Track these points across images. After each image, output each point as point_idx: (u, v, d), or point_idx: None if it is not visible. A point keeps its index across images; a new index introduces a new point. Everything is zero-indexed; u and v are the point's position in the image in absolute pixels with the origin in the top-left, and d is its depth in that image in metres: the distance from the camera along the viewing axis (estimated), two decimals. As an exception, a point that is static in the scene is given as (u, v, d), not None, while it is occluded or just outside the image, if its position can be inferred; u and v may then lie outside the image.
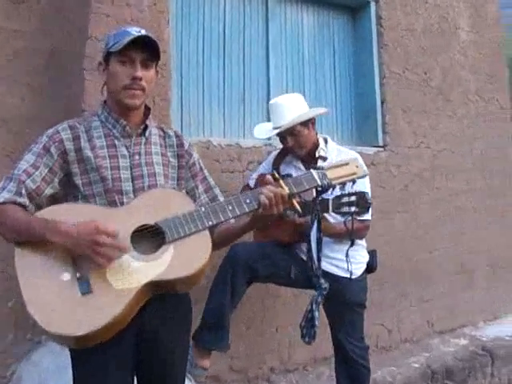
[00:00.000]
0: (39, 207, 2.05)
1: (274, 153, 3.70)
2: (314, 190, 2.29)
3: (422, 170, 5.22)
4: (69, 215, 1.95)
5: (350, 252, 3.16)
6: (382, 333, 4.84)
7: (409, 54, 5.25)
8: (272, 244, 3.33)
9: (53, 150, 2.10)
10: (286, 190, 2.12)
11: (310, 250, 2.46)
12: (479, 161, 5.78)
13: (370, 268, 3.51)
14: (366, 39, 5.11)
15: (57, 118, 3.62)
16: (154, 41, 2.15)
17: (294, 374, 4.27)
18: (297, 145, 3.39)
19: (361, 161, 2.51)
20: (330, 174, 2.23)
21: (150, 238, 2.01)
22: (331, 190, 2.28)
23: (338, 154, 3.42)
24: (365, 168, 2.36)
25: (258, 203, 2.10)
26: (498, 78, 6.16)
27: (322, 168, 2.26)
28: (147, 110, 2.32)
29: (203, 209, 2.07)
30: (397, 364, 4.56)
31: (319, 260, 2.48)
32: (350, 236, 2.89)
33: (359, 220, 3.11)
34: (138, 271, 1.92)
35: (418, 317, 5.16)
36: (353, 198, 2.81)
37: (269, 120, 4.56)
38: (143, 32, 2.16)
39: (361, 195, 2.78)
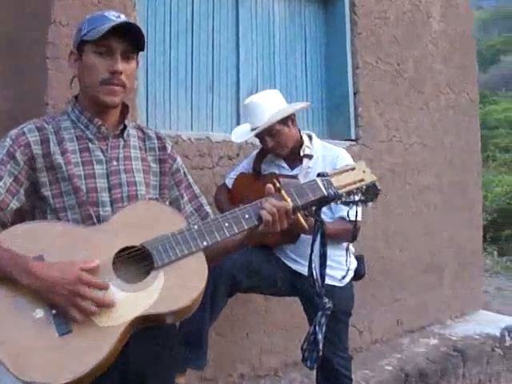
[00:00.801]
0: (3, 225, 1.74)
1: (255, 152, 3.46)
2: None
3: (394, 165, 5.05)
4: (35, 241, 1.65)
5: (338, 258, 3.02)
6: (352, 334, 4.65)
7: (382, 43, 5.05)
8: (255, 250, 3.08)
9: (18, 155, 1.80)
10: (290, 203, 1.87)
11: (310, 265, 2.20)
12: (449, 155, 5.67)
13: (358, 274, 3.31)
14: (339, 27, 4.86)
15: (15, 111, 3.29)
16: (137, 28, 1.86)
17: (265, 380, 4.08)
18: (277, 145, 3.16)
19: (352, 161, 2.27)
20: (336, 182, 2.00)
21: (135, 262, 1.73)
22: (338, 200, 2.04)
23: (323, 151, 3.22)
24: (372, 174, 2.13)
25: (258, 219, 1.84)
26: (469, 70, 6.04)
27: (327, 175, 2.02)
28: (125, 107, 2.02)
29: (196, 227, 1.79)
30: (370, 367, 4.41)
31: (323, 277, 2.23)
32: (353, 233, 2.66)
33: (349, 221, 2.90)
34: (123, 304, 1.63)
35: (388, 317, 5.02)
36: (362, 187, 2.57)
37: (238, 113, 4.35)
38: (123, 17, 1.88)
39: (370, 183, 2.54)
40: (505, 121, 24.05)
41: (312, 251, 2.17)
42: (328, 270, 3.00)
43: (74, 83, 1.98)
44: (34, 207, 1.82)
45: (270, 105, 3.15)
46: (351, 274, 3.21)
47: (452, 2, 5.90)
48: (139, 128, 2.09)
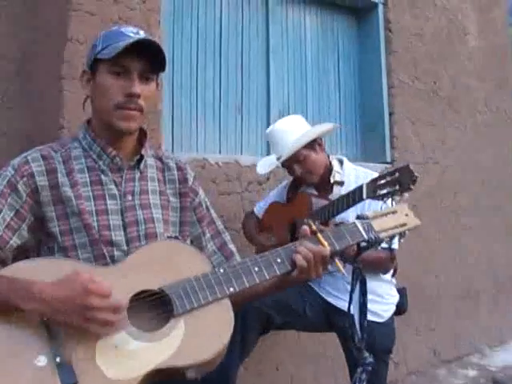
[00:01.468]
0: (3, 263, 1.56)
1: (285, 182, 3.25)
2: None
3: (430, 188, 4.83)
4: (41, 276, 1.45)
5: (379, 290, 2.84)
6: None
7: (417, 61, 4.84)
8: None
9: (21, 186, 1.62)
10: (328, 248, 1.69)
11: (348, 314, 2.00)
12: (485, 175, 5.43)
13: (400, 309, 3.09)
14: (373, 44, 4.68)
15: (29, 134, 3.13)
16: (157, 46, 1.67)
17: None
18: (306, 172, 2.93)
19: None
20: (377, 225, 1.82)
21: (152, 308, 1.54)
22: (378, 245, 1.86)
23: (356, 177, 2.97)
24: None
25: (291, 263, 1.66)
26: (505, 86, 5.80)
27: (367, 217, 1.84)
28: (142, 134, 1.83)
29: (222, 270, 1.60)
30: (407, 402, 4.19)
31: (363, 330, 2.03)
32: (393, 265, 2.47)
33: (385, 249, 2.70)
34: (137, 355, 1.43)
35: (423, 346, 4.79)
36: (395, 176, 2.35)
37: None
38: (142, 34, 1.69)
39: (403, 169, 2.33)
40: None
41: (350, 301, 1.99)
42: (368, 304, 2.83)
43: (87, 105, 1.80)
44: (40, 245, 1.64)
45: (293, 130, 2.95)
46: (393, 308, 3.00)
47: (488, 17, 5.69)
48: (158, 157, 1.89)
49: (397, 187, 2.32)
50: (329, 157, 3.02)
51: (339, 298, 2.90)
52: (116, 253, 1.64)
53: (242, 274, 1.60)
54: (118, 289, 1.46)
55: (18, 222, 1.60)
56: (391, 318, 3.00)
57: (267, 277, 1.63)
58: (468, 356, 5.12)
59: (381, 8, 4.67)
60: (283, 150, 2.91)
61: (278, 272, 1.65)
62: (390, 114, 4.61)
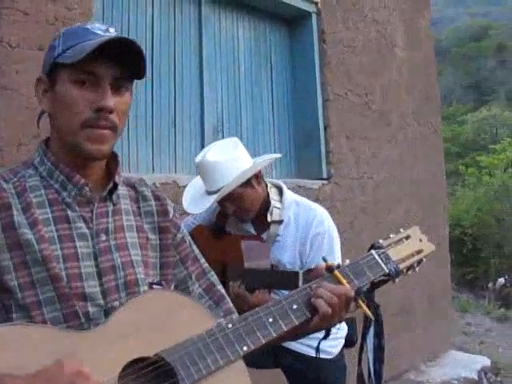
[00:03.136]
0: None
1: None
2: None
3: (366, 203, 4.72)
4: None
5: None
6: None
7: (350, 73, 4.71)
8: None
9: None
10: (350, 288, 1.46)
11: (360, 361, 1.76)
12: (417, 189, 5.40)
13: (350, 341, 2.85)
14: (307, 56, 4.51)
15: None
16: (134, 46, 1.31)
17: None
18: (240, 210, 2.58)
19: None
20: (394, 255, 1.62)
21: (151, 381, 1.21)
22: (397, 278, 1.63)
23: (296, 210, 2.63)
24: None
25: (310, 310, 1.42)
26: (432, 98, 5.81)
27: (382, 246, 1.62)
28: (113, 158, 1.45)
29: (231, 325, 1.30)
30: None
31: (378, 376, 1.79)
32: None
33: None
34: None
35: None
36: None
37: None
38: (113, 31, 1.35)
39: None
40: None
41: (364, 344, 1.75)
42: (310, 341, 2.58)
43: (43, 122, 1.42)
44: None
45: (228, 163, 2.53)
46: (341, 342, 2.76)
47: (414, 29, 5.68)
48: (130, 184, 1.52)
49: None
50: (267, 186, 2.66)
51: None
52: (91, 309, 1.29)
53: (255, 329, 1.33)
54: (101, 362, 1.14)
55: None
56: (340, 353, 2.76)
57: (284, 328, 1.37)
58: (406, 373, 5.06)
59: (314, 18, 4.50)
60: (215, 186, 2.53)
61: (295, 321, 1.40)
62: (325, 128, 4.44)
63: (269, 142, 4.39)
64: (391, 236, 1.69)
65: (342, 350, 2.75)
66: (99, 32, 1.32)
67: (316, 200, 4.14)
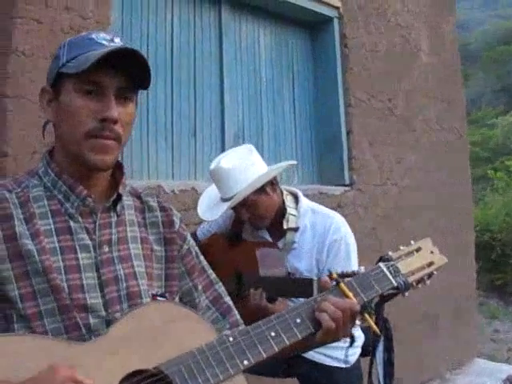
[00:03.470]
0: None
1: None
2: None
3: (388, 210, 4.67)
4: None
5: None
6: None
7: (373, 78, 4.68)
8: None
9: None
10: (355, 302, 1.43)
11: (370, 376, 1.73)
12: (441, 195, 5.33)
13: (366, 350, 2.82)
14: (329, 61, 4.48)
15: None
16: (139, 56, 1.31)
17: None
18: (255, 217, 2.57)
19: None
20: (403, 267, 1.59)
21: None
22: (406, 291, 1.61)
23: (312, 218, 2.61)
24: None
25: (314, 324, 1.39)
26: (457, 103, 5.73)
27: (391, 259, 1.60)
28: (119, 168, 1.46)
29: (232, 339, 1.28)
30: None
31: None
32: None
33: None
34: None
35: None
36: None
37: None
38: (118, 41, 1.35)
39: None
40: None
41: (373, 358, 1.72)
42: (327, 350, 2.55)
43: (48, 132, 1.42)
44: None
45: (241, 170, 2.53)
46: (358, 351, 2.72)
47: (438, 33, 5.62)
48: (135, 194, 1.52)
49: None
50: (282, 193, 2.64)
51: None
52: (92, 320, 1.28)
53: (257, 343, 1.30)
54: (99, 374, 1.13)
55: None
56: (357, 362, 2.73)
57: (287, 342, 1.34)
58: (430, 382, 5.00)
59: (336, 23, 4.47)
60: (230, 193, 2.52)
61: (299, 336, 1.36)
62: (348, 134, 4.42)
63: (290, 148, 4.37)
64: (401, 248, 1.66)
65: (358, 358, 2.74)
66: (104, 42, 1.32)
67: (338, 206, 4.11)
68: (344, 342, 2.22)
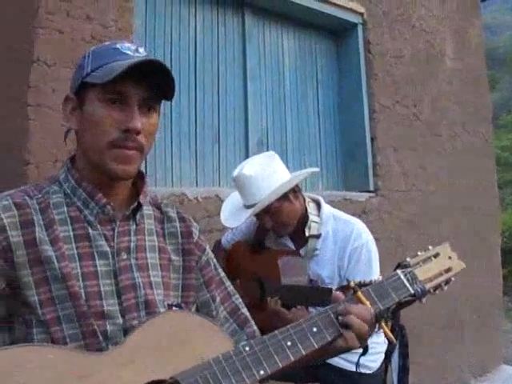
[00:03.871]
0: None
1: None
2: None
3: (413, 216, 4.64)
4: (9, 376, 1.07)
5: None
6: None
7: (397, 84, 4.66)
8: None
9: None
10: (372, 310, 1.43)
11: (385, 380, 1.74)
12: (467, 201, 5.28)
13: (390, 356, 2.82)
14: (353, 67, 4.48)
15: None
16: (163, 68, 1.32)
17: None
18: (278, 225, 2.57)
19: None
20: (421, 274, 1.56)
21: None
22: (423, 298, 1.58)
23: (334, 225, 2.61)
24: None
25: (330, 333, 1.38)
26: (483, 108, 5.68)
27: (408, 265, 1.57)
28: (140, 177, 1.46)
29: (248, 348, 1.26)
30: None
31: None
32: None
33: None
34: None
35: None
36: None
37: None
38: (142, 52, 1.35)
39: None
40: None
41: (389, 364, 1.74)
42: (350, 356, 2.54)
43: (70, 139, 1.42)
44: (12, 316, 1.27)
45: (264, 177, 2.53)
46: (382, 357, 2.72)
47: (464, 38, 5.57)
48: (155, 204, 1.52)
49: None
50: (304, 201, 2.65)
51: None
52: (109, 327, 1.29)
53: (273, 352, 1.29)
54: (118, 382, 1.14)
55: None
56: (380, 368, 2.73)
57: (303, 352, 1.33)
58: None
59: (360, 29, 4.47)
60: (253, 200, 2.53)
61: (315, 345, 1.35)
62: (372, 140, 4.41)
63: (315, 155, 4.37)
64: (419, 254, 1.63)
65: (381, 364, 2.73)
66: (129, 52, 1.33)
67: (363, 213, 4.11)
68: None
